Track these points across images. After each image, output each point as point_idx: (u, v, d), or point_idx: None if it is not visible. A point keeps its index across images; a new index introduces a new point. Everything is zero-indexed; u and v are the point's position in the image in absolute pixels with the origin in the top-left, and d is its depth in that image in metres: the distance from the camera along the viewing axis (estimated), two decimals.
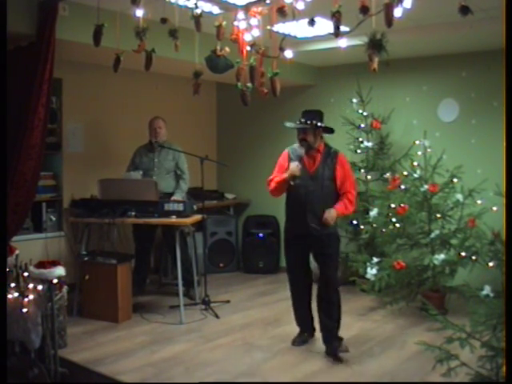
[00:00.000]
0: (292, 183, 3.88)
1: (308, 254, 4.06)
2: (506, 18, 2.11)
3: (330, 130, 4.05)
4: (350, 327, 4.46)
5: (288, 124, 4.02)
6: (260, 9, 3.31)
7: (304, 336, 4.21)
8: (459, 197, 4.89)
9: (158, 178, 5.27)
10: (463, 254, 4.74)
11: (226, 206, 7.07)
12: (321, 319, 4.01)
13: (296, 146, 4.02)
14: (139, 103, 6.18)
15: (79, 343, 4.15)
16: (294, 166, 3.83)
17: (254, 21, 3.33)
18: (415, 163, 5.15)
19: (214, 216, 6.63)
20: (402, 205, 4.91)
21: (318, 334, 4.09)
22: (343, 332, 4.04)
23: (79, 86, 5.62)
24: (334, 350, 3.87)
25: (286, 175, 3.87)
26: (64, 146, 5.55)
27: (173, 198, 5.20)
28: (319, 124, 3.92)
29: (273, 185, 3.98)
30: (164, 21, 3.53)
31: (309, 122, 3.88)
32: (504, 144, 2.10)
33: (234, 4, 3.88)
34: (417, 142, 5.29)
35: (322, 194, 3.88)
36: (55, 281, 3.66)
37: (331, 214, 3.83)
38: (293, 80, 5.98)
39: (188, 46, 3.83)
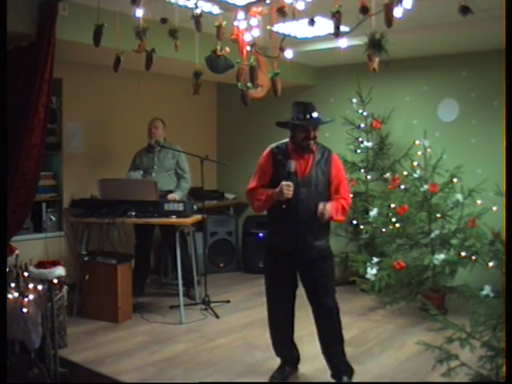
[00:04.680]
0: (284, 206, 3.21)
1: (295, 275, 3.41)
2: (506, 17, 2.11)
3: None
4: (350, 327, 4.46)
5: (300, 122, 3.30)
6: (260, 9, 3.32)
7: (286, 370, 3.56)
8: (459, 197, 4.89)
9: (156, 176, 5.28)
10: (463, 253, 4.74)
11: (226, 206, 7.07)
12: (324, 349, 3.48)
13: (281, 143, 3.44)
14: (139, 103, 6.18)
15: (79, 343, 4.15)
16: (286, 187, 3.16)
17: (254, 21, 3.33)
18: (415, 163, 5.15)
19: (214, 216, 6.63)
20: (401, 205, 4.92)
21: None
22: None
23: (79, 86, 5.62)
24: None
25: (274, 195, 3.22)
26: (64, 146, 5.55)
27: (170, 196, 5.19)
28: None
29: (258, 203, 3.35)
30: (164, 21, 3.54)
31: (319, 118, 3.35)
32: (504, 144, 2.10)
33: (233, 4, 3.88)
34: (417, 142, 5.28)
35: (315, 203, 3.22)
36: (55, 281, 3.66)
37: (327, 207, 3.19)
38: (293, 80, 5.97)
39: (188, 46, 3.83)
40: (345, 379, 3.38)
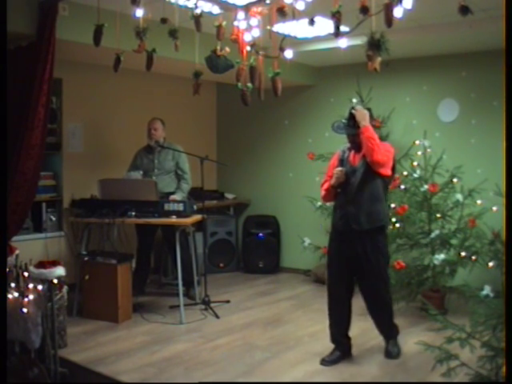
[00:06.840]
0: (339, 190, 3.77)
1: (350, 256, 3.76)
2: (506, 17, 2.11)
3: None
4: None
5: (339, 131, 3.88)
6: (260, 9, 3.31)
7: (337, 354, 3.85)
8: (459, 197, 4.89)
9: (157, 179, 5.27)
10: (463, 254, 4.75)
11: (226, 206, 7.07)
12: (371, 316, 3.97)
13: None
14: (139, 103, 6.18)
15: (79, 343, 4.16)
16: (338, 172, 3.72)
17: (254, 21, 3.32)
18: (415, 163, 5.15)
19: (214, 216, 6.63)
20: (401, 205, 4.92)
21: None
22: None
23: (79, 86, 5.62)
24: (389, 350, 3.92)
25: (331, 181, 3.76)
26: (64, 146, 5.55)
27: (171, 197, 5.19)
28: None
29: (322, 192, 3.88)
30: (164, 21, 3.54)
31: (342, 126, 3.82)
32: (504, 144, 2.10)
33: (233, 4, 3.88)
34: (417, 142, 5.29)
35: (363, 187, 3.70)
36: (55, 281, 3.66)
37: (363, 111, 3.76)
38: (293, 80, 5.98)
39: (188, 46, 3.83)
40: (391, 343, 3.93)
